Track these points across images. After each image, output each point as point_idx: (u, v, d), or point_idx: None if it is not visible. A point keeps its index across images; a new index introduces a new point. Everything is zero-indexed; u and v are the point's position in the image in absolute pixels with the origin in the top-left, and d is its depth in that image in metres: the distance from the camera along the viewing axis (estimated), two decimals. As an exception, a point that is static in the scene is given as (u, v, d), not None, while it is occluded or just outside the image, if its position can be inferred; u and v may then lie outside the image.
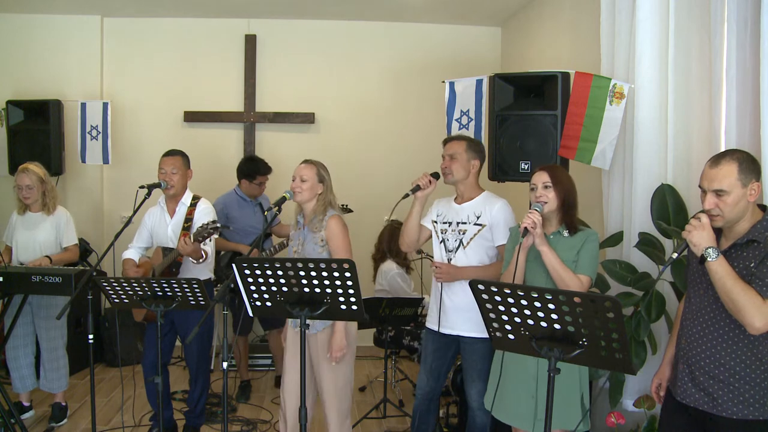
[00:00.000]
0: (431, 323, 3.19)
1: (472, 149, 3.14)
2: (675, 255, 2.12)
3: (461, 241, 3.09)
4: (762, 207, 2.16)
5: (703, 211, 2.12)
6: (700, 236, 2.05)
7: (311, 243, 3.05)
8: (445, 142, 3.21)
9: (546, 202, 2.63)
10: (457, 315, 3.07)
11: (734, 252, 2.10)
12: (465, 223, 3.10)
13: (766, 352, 2.09)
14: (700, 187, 2.16)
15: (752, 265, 2.04)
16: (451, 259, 3.10)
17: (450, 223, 3.14)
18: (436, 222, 3.19)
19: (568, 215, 2.67)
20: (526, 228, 2.53)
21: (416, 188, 3.06)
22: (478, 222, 3.08)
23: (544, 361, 1.99)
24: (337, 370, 3.04)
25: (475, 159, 3.14)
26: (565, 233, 2.68)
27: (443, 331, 3.12)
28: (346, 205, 4.85)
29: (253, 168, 4.59)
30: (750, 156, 2.12)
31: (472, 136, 4.03)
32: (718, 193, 2.07)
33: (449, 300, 3.08)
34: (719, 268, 2.02)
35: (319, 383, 3.08)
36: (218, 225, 3.24)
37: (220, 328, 4.69)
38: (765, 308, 1.97)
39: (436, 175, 3.11)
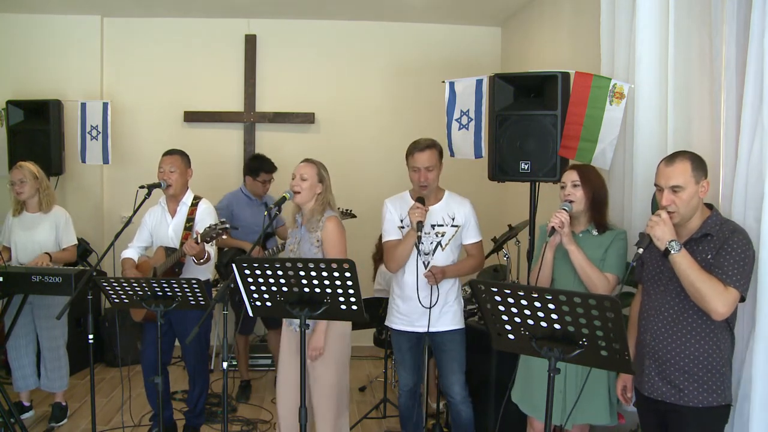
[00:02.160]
0: (406, 326, 3.17)
1: (441, 154, 3.18)
2: (640, 250, 2.25)
3: (440, 243, 3.13)
4: (708, 206, 2.33)
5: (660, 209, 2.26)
6: (662, 230, 2.19)
7: (307, 243, 3.06)
8: (415, 151, 3.10)
9: (573, 201, 2.66)
10: (432, 312, 3.09)
11: (690, 246, 2.24)
12: (442, 225, 3.15)
13: (724, 340, 2.25)
14: (656, 185, 2.31)
15: (709, 257, 2.20)
16: (428, 262, 3.13)
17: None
18: (402, 228, 3.17)
19: (598, 214, 2.71)
20: (553, 227, 2.56)
21: (420, 224, 2.99)
22: (454, 224, 3.15)
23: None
24: (330, 370, 3.06)
25: (441, 160, 3.19)
26: (594, 232, 2.72)
27: (422, 330, 3.12)
28: (350, 210, 4.87)
29: (257, 165, 4.62)
30: (699, 156, 2.29)
31: (471, 136, 4.03)
32: (675, 189, 2.23)
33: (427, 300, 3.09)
34: (683, 260, 2.16)
35: (312, 382, 3.09)
36: (227, 226, 3.24)
37: (220, 328, 4.69)
38: (726, 295, 2.13)
39: (422, 201, 3.08)
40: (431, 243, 3.14)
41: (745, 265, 2.16)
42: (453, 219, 3.16)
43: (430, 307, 3.08)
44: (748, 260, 2.17)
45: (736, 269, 2.14)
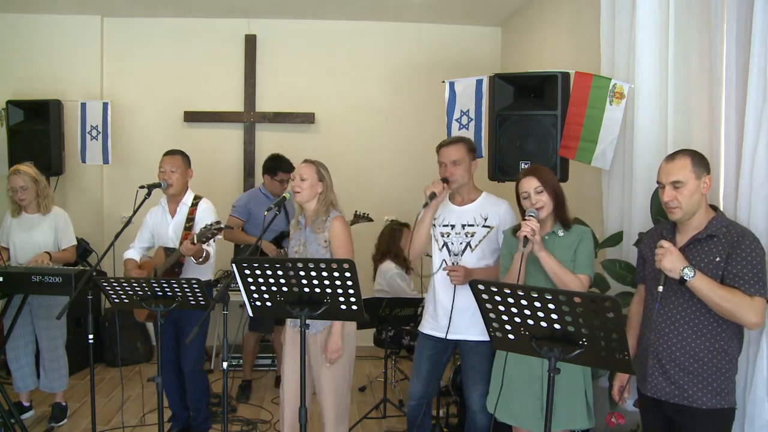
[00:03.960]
0: (432, 329, 3.12)
1: (471, 150, 3.11)
2: (661, 288, 2.23)
3: (469, 243, 3.05)
4: (713, 207, 2.34)
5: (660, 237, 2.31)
6: (671, 261, 2.18)
7: (314, 244, 3.05)
8: (442, 146, 3.11)
9: (542, 207, 2.63)
10: (460, 318, 3.03)
11: (696, 247, 2.24)
12: (472, 225, 3.06)
13: (731, 341, 2.23)
14: (658, 182, 2.32)
15: (717, 259, 2.19)
16: (457, 263, 3.05)
17: (453, 226, 3.08)
18: (434, 225, 3.12)
19: (561, 213, 2.69)
20: (526, 236, 2.50)
21: (432, 196, 2.94)
22: (486, 224, 3.05)
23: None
24: (335, 371, 3.04)
25: (474, 159, 3.13)
26: (560, 232, 2.68)
27: (449, 336, 3.04)
28: (367, 214, 4.89)
29: (275, 165, 4.67)
30: (700, 153, 2.31)
31: (471, 136, 4.04)
32: (675, 184, 2.24)
33: (456, 303, 3.03)
34: (701, 284, 2.15)
35: (317, 384, 3.08)
36: (222, 226, 3.24)
37: (220, 328, 4.68)
38: (755, 304, 2.13)
39: (446, 180, 3.03)
40: (461, 243, 3.05)
41: (763, 268, 2.16)
42: (485, 219, 3.05)
43: (451, 311, 3.01)
44: (763, 263, 2.17)
45: (754, 275, 2.14)
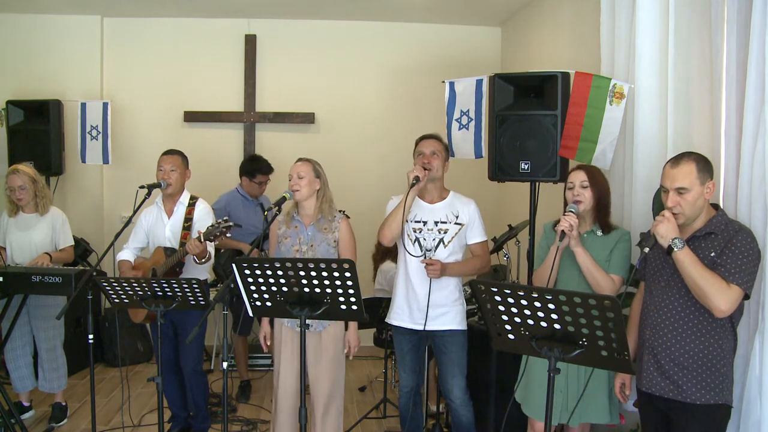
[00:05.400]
0: (405, 322, 3.17)
1: (447, 150, 3.26)
2: (646, 250, 2.25)
3: (442, 239, 3.13)
4: (714, 206, 2.35)
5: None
6: (666, 228, 2.21)
7: (324, 244, 3.10)
8: (422, 139, 3.24)
9: (582, 202, 2.67)
10: (434, 310, 3.10)
11: (693, 244, 2.26)
12: (445, 222, 3.15)
13: (726, 339, 2.25)
14: (662, 186, 2.33)
15: (713, 254, 2.22)
16: (430, 258, 3.13)
17: (425, 223, 3.16)
18: (406, 221, 3.17)
19: (602, 215, 2.74)
20: (563, 231, 2.55)
21: (416, 179, 3.04)
22: (458, 221, 3.16)
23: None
24: (337, 368, 3.11)
25: (448, 160, 3.25)
26: (599, 233, 2.73)
27: (420, 327, 3.11)
28: (343, 212, 4.87)
29: (254, 166, 4.63)
30: (705, 157, 2.31)
31: (471, 136, 4.06)
32: (680, 191, 2.24)
33: (432, 296, 3.09)
34: (685, 258, 2.18)
35: (316, 381, 3.10)
36: (231, 224, 3.22)
37: (220, 328, 4.69)
38: (729, 292, 2.14)
39: (425, 168, 3.12)
40: (434, 239, 3.14)
41: (749, 263, 2.17)
42: (457, 217, 3.16)
43: (428, 303, 3.07)
44: (752, 258, 2.17)
45: (739, 266, 2.15)
